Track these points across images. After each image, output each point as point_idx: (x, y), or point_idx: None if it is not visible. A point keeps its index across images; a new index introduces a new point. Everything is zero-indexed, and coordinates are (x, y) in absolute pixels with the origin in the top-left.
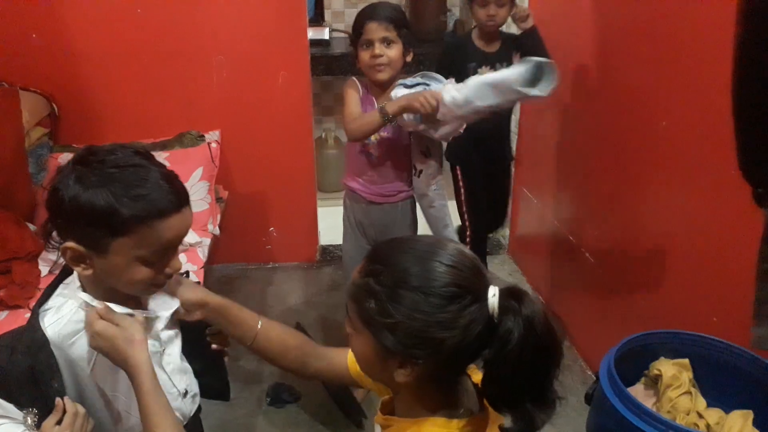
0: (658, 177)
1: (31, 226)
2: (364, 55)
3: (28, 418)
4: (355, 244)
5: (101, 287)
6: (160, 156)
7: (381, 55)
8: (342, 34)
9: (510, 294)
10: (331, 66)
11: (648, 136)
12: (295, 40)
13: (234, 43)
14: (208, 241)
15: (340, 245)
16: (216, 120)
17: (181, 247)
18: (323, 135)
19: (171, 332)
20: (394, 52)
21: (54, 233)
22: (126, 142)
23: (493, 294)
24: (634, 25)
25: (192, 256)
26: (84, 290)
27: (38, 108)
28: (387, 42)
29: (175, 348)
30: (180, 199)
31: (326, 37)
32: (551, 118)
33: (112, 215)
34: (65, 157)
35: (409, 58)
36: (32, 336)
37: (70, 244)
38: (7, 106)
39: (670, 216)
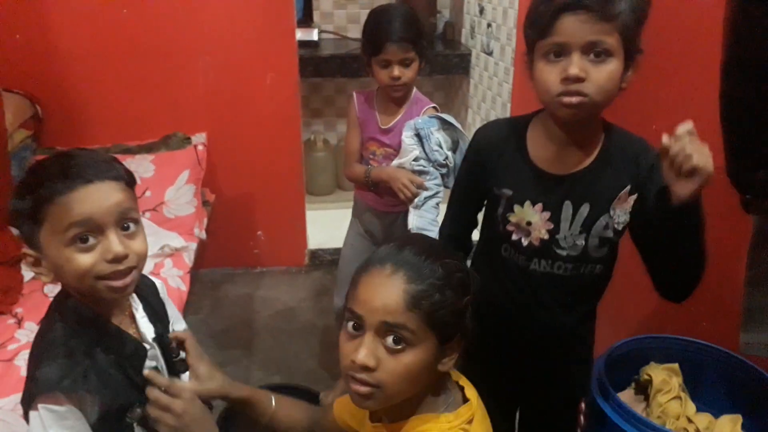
0: None
1: (14, 230)
2: (382, 74)
3: (134, 414)
4: (360, 251)
5: (82, 303)
6: (146, 158)
7: (399, 77)
8: (331, 35)
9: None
10: (320, 67)
11: None
12: (283, 41)
13: (221, 44)
14: (194, 245)
15: (329, 249)
16: (202, 122)
17: (167, 251)
18: (312, 138)
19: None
20: (412, 72)
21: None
22: (111, 144)
23: None
24: None
25: (178, 260)
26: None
27: (21, 110)
28: (406, 63)
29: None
30: (90, 172)
31: (315, 38)
32: None
33: (26, 207)
34: None
35: (422, 66)
36: (107, 332)
37: (24, 249)
38: None
39: None
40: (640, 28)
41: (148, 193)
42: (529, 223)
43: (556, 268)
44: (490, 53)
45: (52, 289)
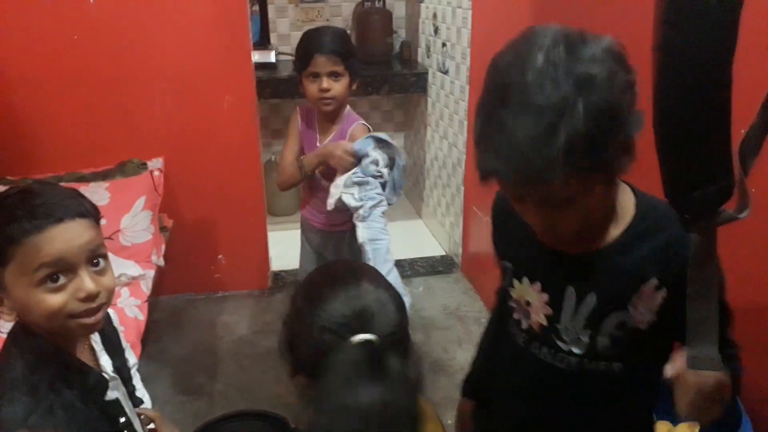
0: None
1: None
2: (312, 88)
3: None
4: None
5: (45, 338)
6: (101, 186)
7: (328, 89)
8: (288, 57)
9: None
10: (279, 89)
11: None
12: (240, 64)
13: (177, 67)
14: (152, 273)
15: (292, 270)
16: (159, 147)
17: (123, 280)
18: (272, 158)
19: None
20: (340, 86)
21: None
22: (65, 172)
23: None
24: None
25: (135, 289)
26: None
27: None
28: (335, 75)
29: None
30: (60, 211)
31: (272, 60)
32: None
33: None
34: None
35: (354, 87)
36: (67, 364)
37: None
38: None
39: None
40: None
41: (103, 221)
42: (528, 303)
43: (558, 361)
44: (445, 72)
45: (3, 325)
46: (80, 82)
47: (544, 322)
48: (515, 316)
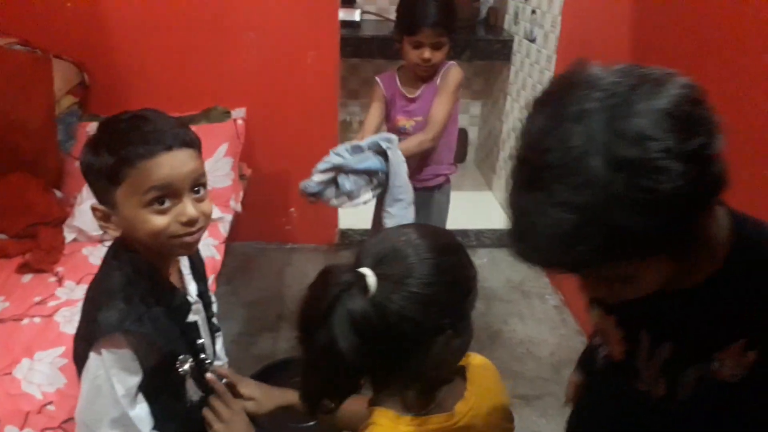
0: None
1: (58, 193)
2: (413, 54)
3: (186, 364)
4: None
5: (142, 256)
6: None
7: (430, 59)
8: (373, 17)
9: None
10: (360, 48)
11: None
12: (326, 20)
13: (266, 20)
14: (229, 217)
15: (359, 230)
16: (242, 97)
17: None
18: (348, 119)
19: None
20: (441, 54)
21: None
22: None
23: None
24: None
25: (213, 230)
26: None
27: (69, 76)
28: (437, 46)
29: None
30: (170, 139)
31: (357, 18)
32: None
33: (105, 166)
34: (93, 127)
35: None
36: (157, 283)
37: (94, 204)
38: (40, 74)
39: None
40: None
41: None
42: (605, 332)
43: (640, 398)
44: (533, 40)
45: (92, 251)
46: (174, 27)
47: (622, 357)
48: (595, 340)
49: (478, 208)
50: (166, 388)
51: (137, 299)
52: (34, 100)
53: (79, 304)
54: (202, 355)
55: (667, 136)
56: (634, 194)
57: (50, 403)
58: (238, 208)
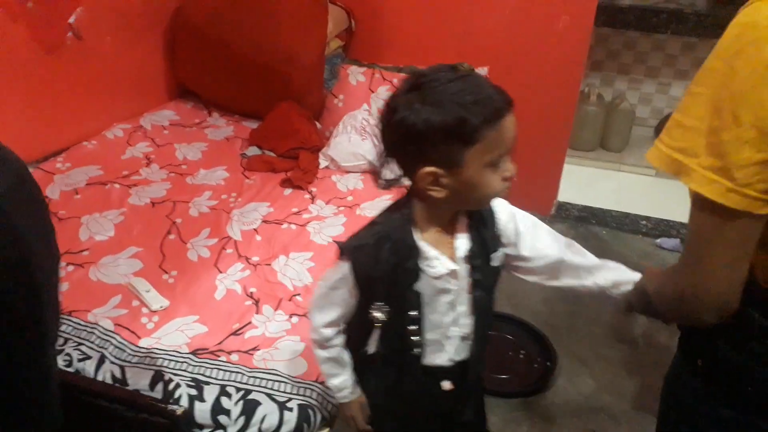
0: None
1: (318, 124)
2: None
3: (379, 313)
4: None
5: (431, 212)
6: None
7: None
8: None
9: None
10: (614, 18)
11: None
12: None
13: None
14: None
15: (577, 205)
16: (486, 56)
17: None
18: (586, 90)
19: (464, 269)
20: None
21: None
22: (403, 65)
23: None
24: None
25: None
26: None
27: (340, 21)
28: None
29: (465, 290)
30: (509, 98)
31: None
32: None
33: (464, 125)
34: (353, 70)
35: None
36: (403, 238)
37: (429, 168)
38: (317, 16)
39: None
40: None
41: None
42: None
43: None
44: None
45: (339, 179)
46: None
47: None
48: None
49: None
50: (359, 324)
51: (387, 249)
52: (309, 39)
53: (327, 220)
54: (412, 327)
55: None
56: None
57: (298, 294)
58: None
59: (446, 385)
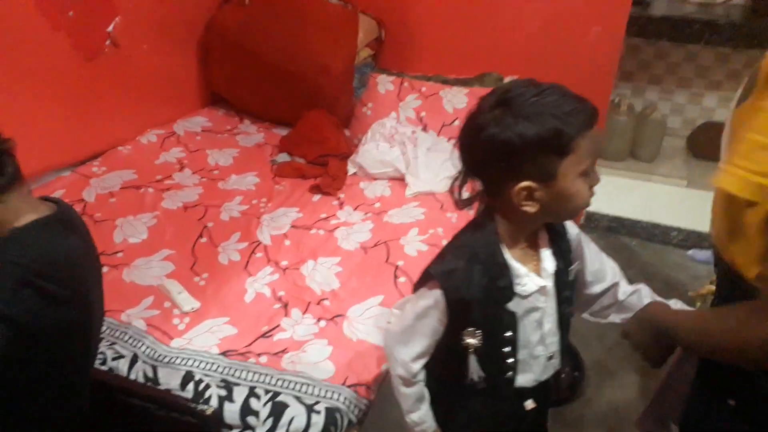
0: None
1: (346, 132)
2: None
3: (472, 339)
4: None
5: (517, 229)
6: (461, 91)
7: None
8: None
9: None
10: (646, 28)
11: None
12: None
13: None
14: None
15: (607, 215)
16: (516, 65)
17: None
18: (616, 100)
19: (550, 286)
20: None
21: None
22: (433, 73)
23: None
24: None
25: None
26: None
27: (370, 31)
28: None
29: (552, 307)
30: (595, 107)
31: None
32: None
33: (559, 137)
34: (382, 79)
35: None
36: (493, 257)
37: (524, 183)
38: (348, 26)
39: None
40: None
41: (456, 122)
42: None
43: None
44: None
45: (367, 186)
46: None
47: None
48: None
49: None
50: (450, 354)
51: (479, 270)
52: (340, 49)
53: (355, 226)
54: (506, 348)
55: None
56: None
57: (326, 299)
58: None
59: (529, 404)
